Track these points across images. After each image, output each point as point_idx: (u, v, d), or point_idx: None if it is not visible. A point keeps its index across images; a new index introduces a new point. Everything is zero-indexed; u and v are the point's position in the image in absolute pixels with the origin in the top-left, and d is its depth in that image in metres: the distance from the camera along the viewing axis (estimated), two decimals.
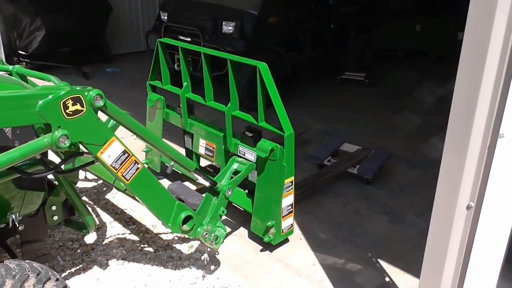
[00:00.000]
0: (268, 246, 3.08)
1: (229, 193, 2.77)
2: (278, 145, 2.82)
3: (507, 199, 1.76)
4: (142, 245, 3.10)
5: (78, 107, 1.92)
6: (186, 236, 3.10)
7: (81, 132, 1.96)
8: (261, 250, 3.09)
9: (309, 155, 4.38)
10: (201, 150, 3.50)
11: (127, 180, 2.20)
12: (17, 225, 2.23)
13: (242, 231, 3.29)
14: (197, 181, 2.93)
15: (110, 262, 2.91)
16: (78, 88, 1.95)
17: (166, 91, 3.66)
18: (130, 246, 3.08)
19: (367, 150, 4.33)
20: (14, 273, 1.73)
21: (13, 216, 2.21)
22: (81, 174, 3.71)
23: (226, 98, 3.14)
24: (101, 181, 3.81)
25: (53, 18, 6.96)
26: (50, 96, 1.85)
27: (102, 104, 2.00)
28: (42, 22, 6.84)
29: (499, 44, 1.56)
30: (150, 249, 3.05)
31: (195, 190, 3.52)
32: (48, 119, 1.87)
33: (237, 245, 3.12)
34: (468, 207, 1.81)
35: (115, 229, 3.26)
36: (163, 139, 3.39)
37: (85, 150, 2.14)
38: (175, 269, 2.87)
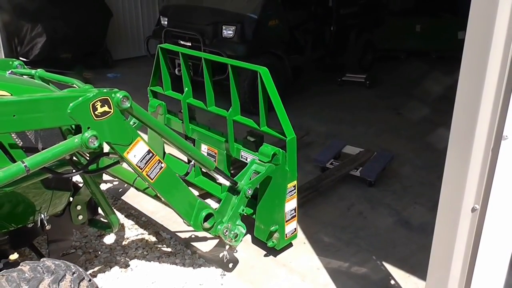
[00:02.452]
0: (272, 251, 3.07)
1: (249, 192, 2.78)
2: (280, 149, 2.82)
3: None
4: (145, 252, 3.09)
5: (106, 108, 1.97)
6: (191, 243, 3.10)
7: (109, 133, 2.02)
8: (265, 255, 3.07)
9: (312, 157, 4.37)
10: (204, 150, 3.49)
11: (152, 179, 2.26)
12: (45, 225, 2.29)
13: (246, 237, 3.27)
14: (217, 181, 2.96)
15: (113, 269, 2.90)
16: (105, 90, 1.99)
17: (167, 96, 3.66)
18: (133, 253, 3.07)
19: (369, 152, 4.31)
20: (51, 271, 1.79)
21: (42, 216, 2.28)
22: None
23: (228, 102, 3.13)
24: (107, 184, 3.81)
25: (54, 24, 6.97)
26: (80, 98, 1.90)
27: (129, 105, 2.05)
28: (43, 28, 6.85)
29: (501, 45, 1.55)
30: (155, 255, 3.04)
31: (197, 195, 3.53)
32: (78, 120, 1.92)
33: (241, 250, 3.10)
34: (473, 210, 1.79)
35: (126, 233, 3.26)
36: (167, 141, 3.39)
37: (107, 150, 2.18)
38: (178, 276, 2.86)
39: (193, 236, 3.26)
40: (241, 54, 5.33)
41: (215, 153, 3.37)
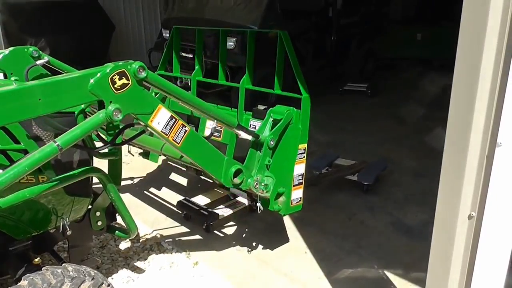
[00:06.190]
0: (272, 262, 3.06)
1: (272, 143, 2.77)
2: (294, 108, 2.82)
3: (509, 207, 1.75)
4: (147, 263, 3.10)
5: (124, 80, 2.01)
6: (192, 254, 3.11)
7: (131, 104, 2.05)
8: (266, 265, 3.07)
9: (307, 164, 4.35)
10: (207, 132, 3.50)
11: (178, 143, 2.30)
12: (67, 230, 2.35)
13: (247, 246, 3.28)
14: (240, 136, 2.95)
15: (114, 280, 2.91)
16: (120, 63, 2.03)
17: (171, 81, 3.65)
18: (134, 264, 3.08)
19: (363, 163, 4.34)
20: (72, 275, 1.88)
21: (64, 221, 2.36)
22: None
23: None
24: None
25: (57, 38, 7.07)
26: (98, 74, 1.94)
27: (145, 75, 2.07)
28: (47, 42, 6.94)
29: (493, 52, 1.57)
30: (156, 266, 3.05)
31: (209, 203, 3.56)
32: (99, 96, 1.95)
33: (242, 259, 3.11)
34: (470, 217, 1.80)
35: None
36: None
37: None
38: (180, 287, 2.87)
39: (195, 246, 3.27)
40: (242, 65, 5.35)
41: (221, 128, 3.36)
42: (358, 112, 6.36)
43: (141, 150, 3.89)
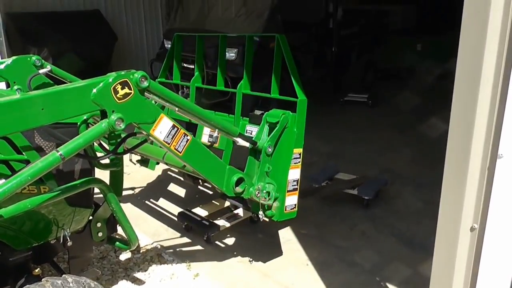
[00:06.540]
0: (273, 275, 3.04)
1: (270, 150, 2.74)
2: (289, 112, 2.80)
3: (511, 219, 1.74)
4: (147, 275, 3.09)
5: (126, 90, 2.01)
6: (193, 265, 3.10)
7: (133, 113, 2.05)
8: (267, 277, 3.05)
9: (307, 176, 4.32)
10: (204, 139, 3.51)
11: (180, 152, 2.30)
12: (68, 241, 2.35)
13: (248, 257, 3.26)
14: (237, 144, 2.93)
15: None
16: (123, 72, 2.05)
17: (171, 88, 3.67)
18: (135, 275, 3.07)
19: (364, 178, 4.31)
20: (72, 287, 1.87)
21: (65, 232, 2.35)
22: None
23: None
24: None
25: (59, 48, 7.10)
26: (101, 84, 1.95)
27: (147, 84, 2.08)
28: (49, 52, 6.98)
29: (492, 64, 1.57)
30: (157, 278, 3.03)
31: (210, 214, 3.55)
32: (102, 105, 1.96)
33: (242, 271, 3.09)
34: (472, 229, 1.79)
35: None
36: None
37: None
38: None
39: (196, 258, 3.25)
40: (243, 76, 5.38)
41: (218, 134, 3.36)
42: (359, 122, 6.37)
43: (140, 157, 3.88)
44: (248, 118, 3.21)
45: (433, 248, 1.96)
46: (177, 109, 2.42)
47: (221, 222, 3.48)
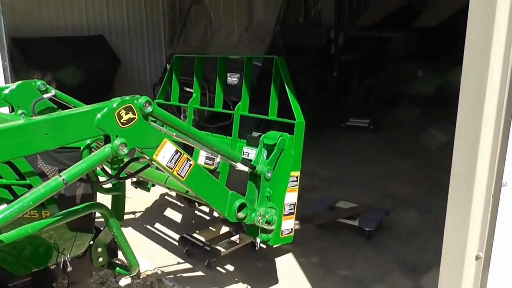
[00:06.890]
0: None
1: (269, 175, 2.69)
2: (287, 134, 2.77)
3: None
4: None
5: (130, 115, 2.02)
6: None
7: (137, 138, 2.06)
8: None
9: (307, 206, 4.22)
10: (201, 161, 3.48)
11: (183, 177, 2.29)
12: (68, 266, 2.31)
13: (249, 284, 3.22)
14: (236, 168, 2.90)
15: None
16: (127, 97, 2.06)
17: (169, 109, 3.67)
18: None
19: (365, 207, 4.23)
20: None
21: (65, 257, 2.31)
22: None
23: None
24: None
25: (63, 72, 7.17)
26: (105, 109, 1.96)
27: (151, 110, 2.08)
28: (53, 76, 7.05)
29: (496, 90, 1.58)
30: None
31: (211, 238, 3.52)
32: (106, 130, 1.97)
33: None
34: (477, 258, 1.77)
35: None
36: None
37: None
38: None
39: (196, 283, 3.21)
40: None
41: (220, 159, 3.34)
42: (361, 147, 6.38)
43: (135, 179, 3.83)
44: (245, 140, 3.20)
45: (437, 276, 1.94)
46: (174, 134, 2.42)
47: (223, 247, 3.44)
